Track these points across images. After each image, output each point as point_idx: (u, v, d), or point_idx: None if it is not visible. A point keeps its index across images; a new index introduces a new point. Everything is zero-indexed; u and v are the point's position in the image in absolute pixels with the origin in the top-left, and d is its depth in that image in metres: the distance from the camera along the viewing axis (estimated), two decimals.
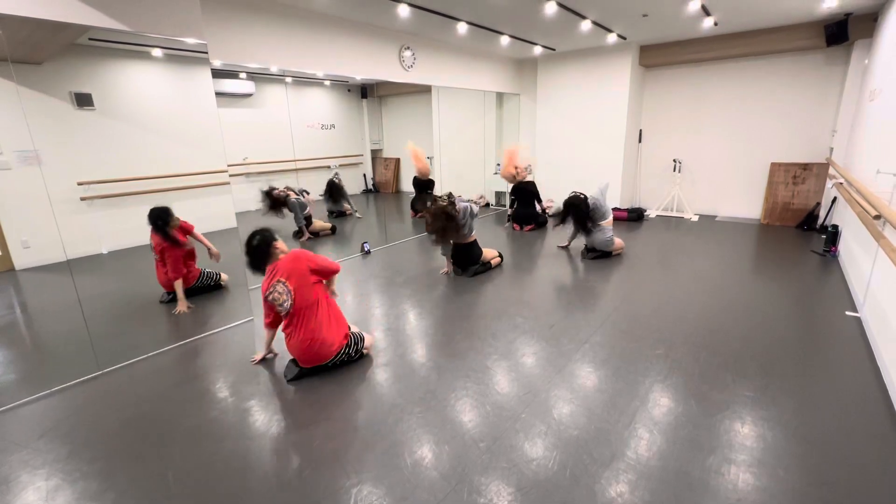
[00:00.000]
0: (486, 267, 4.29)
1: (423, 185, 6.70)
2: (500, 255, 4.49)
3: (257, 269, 2.54)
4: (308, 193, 5.75)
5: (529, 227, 6.03)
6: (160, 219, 3.40)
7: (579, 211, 4.46)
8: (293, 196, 5.42)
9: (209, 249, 3.63)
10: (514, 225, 6.12)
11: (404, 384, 2.43)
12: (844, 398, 2.21)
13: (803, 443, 1.90)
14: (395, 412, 2.19)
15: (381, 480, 1.76)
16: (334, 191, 6.43)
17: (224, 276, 3.95)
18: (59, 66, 3.62)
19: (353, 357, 2.63)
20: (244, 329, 3.20)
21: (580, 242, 5.03)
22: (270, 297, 2.46)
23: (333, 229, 5.80)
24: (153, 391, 2.45)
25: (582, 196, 4.50)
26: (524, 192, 6.06)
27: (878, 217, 2.60)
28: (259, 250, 2.50)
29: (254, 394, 2.38)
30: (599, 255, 4.60)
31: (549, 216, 6.46)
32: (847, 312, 3.16)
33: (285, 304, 2.43)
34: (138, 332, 3.21)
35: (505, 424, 2.07)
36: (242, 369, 2.65)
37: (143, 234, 4.27)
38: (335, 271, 2.61)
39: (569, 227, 4.77)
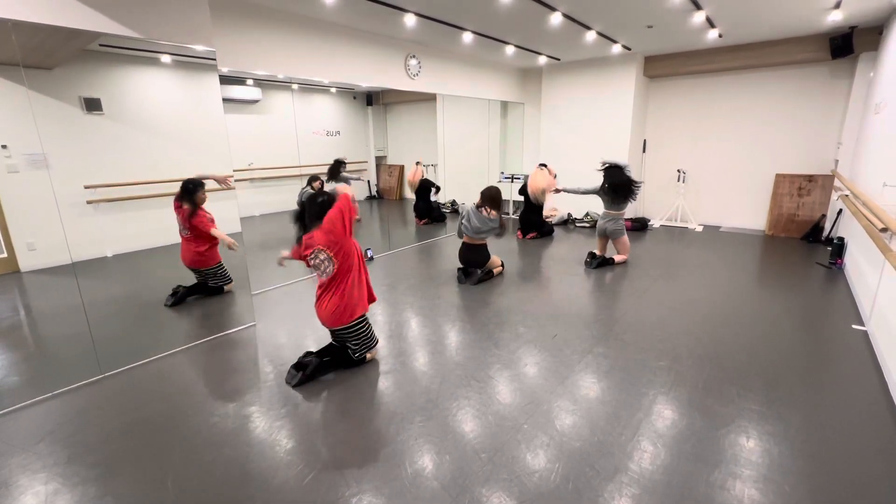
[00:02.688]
0: (489, 275, 4.30)
1: (421, 190, 6.77)
2: (503, 264, 4.49)
3: (303, 223, 2.54)
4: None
5: (532, 234, 6.03)
6: (193, 184, 3.60)
7: (620, 176, 4.46)
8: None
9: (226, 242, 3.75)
10: (518, 232, 6.13)
11: (405, 393, 2.42)
12: (851, 413, 2.18)
13: (809, 459, 1.88)
14: (396, 421, 2.17)
15: (382, 490, 1.74)
16: (336, 167, 6.29)
17: (231, 285, 3.95)
18: (69, 71, 3.66)
19: (365, 335, 2.65)
20: (247, 334, 3.20)
21: (582, 252, 5.03)
22: (313, 263, 2.53)
23: None
24: (154, 396, 2.45)
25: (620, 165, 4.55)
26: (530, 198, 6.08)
27: (884, 230, 2.58)
28: (322, 206, 2.45)
29: (255, 400, 2.37)
30: (602, 263, 4.60)
31: (554, 225, 6.48)
32: (853, 326, 3.13)
33: (328, 270, 2.50)
34: (141, 336, 3.22)
35: (507, 435, 2.05)
36: (244, 375, 2.64)
37: (147, 237, 4.30)
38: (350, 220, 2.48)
39: (584, 242, 4.82)
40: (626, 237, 4.67)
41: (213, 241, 3.71)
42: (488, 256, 4.23)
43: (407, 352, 2.89)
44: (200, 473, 1.86)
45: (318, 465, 1.89)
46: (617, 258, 4.69)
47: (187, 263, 3.75)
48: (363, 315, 2.65)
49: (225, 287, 3.91)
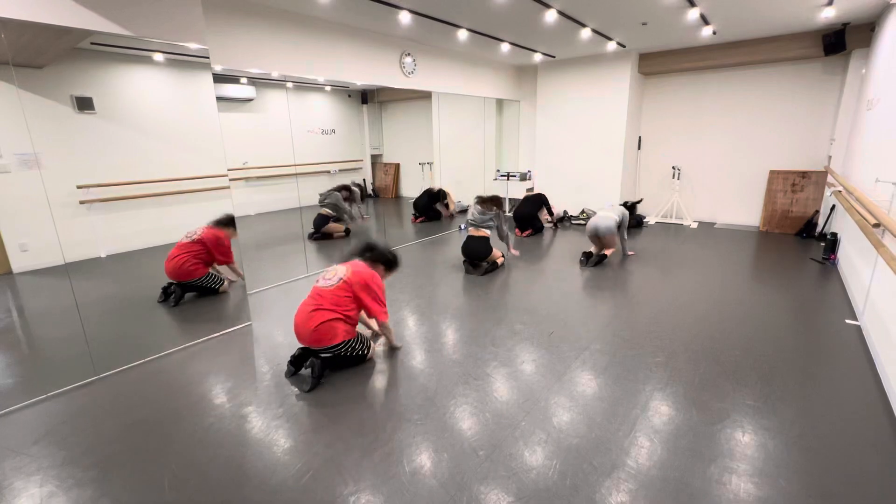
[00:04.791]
0: (494, 266, 4.47)
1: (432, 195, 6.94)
2: (503, 255, 4.68)
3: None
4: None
5: (527, 232, 6.05)
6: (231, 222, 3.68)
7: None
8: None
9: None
10: (517, 229, 6.15)
11: (403, 391, 2.42)
12: (845, 407, 2.20)
13: (804, 452, 1.89)
14: (393, 419, 2.17)
15: (379, 489, 1.74)
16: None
17: (225, 285, 3.93)
18: (60, 70, 3.62)
19: (359, 351, 2.61)
20: (243, 334, 3.19)
21: (577, 249, 5.04)
22: (325, 275, 2.65)
23: (347, 231, 5.94)
24: (150, 396, 2.43)
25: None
26: (530, 200, 6.17)
27: (877, 225, 2.60)
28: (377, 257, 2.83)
29: (251, 400, 2.37)
30: (598, 262, 4.61)
31: (550, 223, 6.50)
32: (847, 320, 3.16)
33: (330, 281, 2.56)
34: (136, 337, 3.20)
35: (504, 432, 2.05)
36: (240, 375, 2.63)
37: (142, 237, 4.27)
38: (376, 313, 2.64)
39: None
40: (615, 237, 4.67)
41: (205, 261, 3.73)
42: (490, 249, 4.42)
43: (404, 350, 2.88)
44: (197, 474, 1.85)
45: (315, 464, 1.89)
46: (606, 251, 4.69)
47: (175, 278, 3.65)
48: (348, 340, 2.54)
49: (219, 288, 3.89)
